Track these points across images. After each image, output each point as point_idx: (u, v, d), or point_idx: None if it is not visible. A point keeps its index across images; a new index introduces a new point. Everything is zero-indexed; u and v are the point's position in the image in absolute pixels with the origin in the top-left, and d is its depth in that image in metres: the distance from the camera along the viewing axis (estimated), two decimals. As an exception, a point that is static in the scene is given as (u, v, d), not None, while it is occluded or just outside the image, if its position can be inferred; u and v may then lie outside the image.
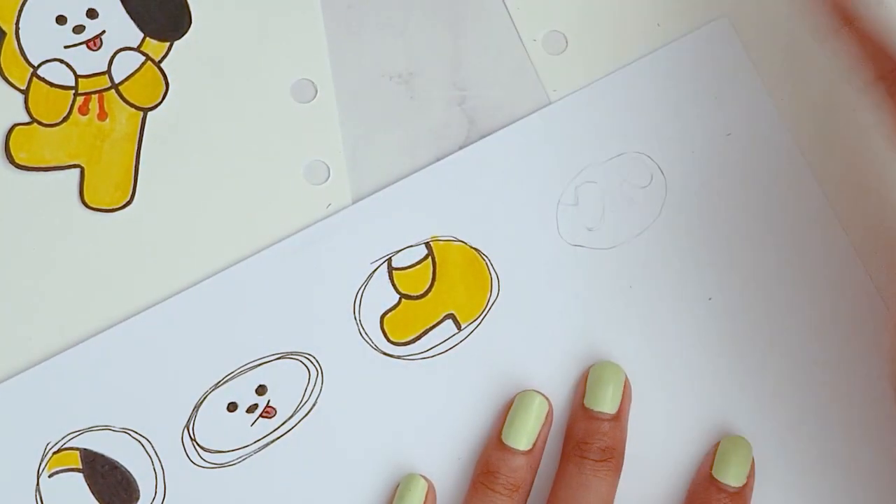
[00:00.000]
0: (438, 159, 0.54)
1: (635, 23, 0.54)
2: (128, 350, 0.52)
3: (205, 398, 0.52)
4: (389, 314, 0.53)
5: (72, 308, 0.52)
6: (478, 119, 0.54)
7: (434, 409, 0.53)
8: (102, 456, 0.52)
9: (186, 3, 0.54)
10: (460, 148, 0.54)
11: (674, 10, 0.54)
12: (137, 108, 0.53)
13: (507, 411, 0.52)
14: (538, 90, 0.54)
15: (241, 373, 0.52)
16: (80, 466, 0.52)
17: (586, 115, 0.53)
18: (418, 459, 0.53)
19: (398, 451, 0.53)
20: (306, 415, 0.53)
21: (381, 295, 0.53)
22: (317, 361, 0.52)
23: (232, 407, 0.52)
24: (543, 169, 0.54)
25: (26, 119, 0.53)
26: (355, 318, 0.53)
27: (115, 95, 0.53)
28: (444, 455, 0.53)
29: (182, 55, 0.54)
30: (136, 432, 0.52)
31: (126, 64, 0.53)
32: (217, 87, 0.53)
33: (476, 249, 0.53)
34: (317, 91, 0.54)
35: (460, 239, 0.53)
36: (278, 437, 0.53)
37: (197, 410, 0.52)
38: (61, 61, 0.53)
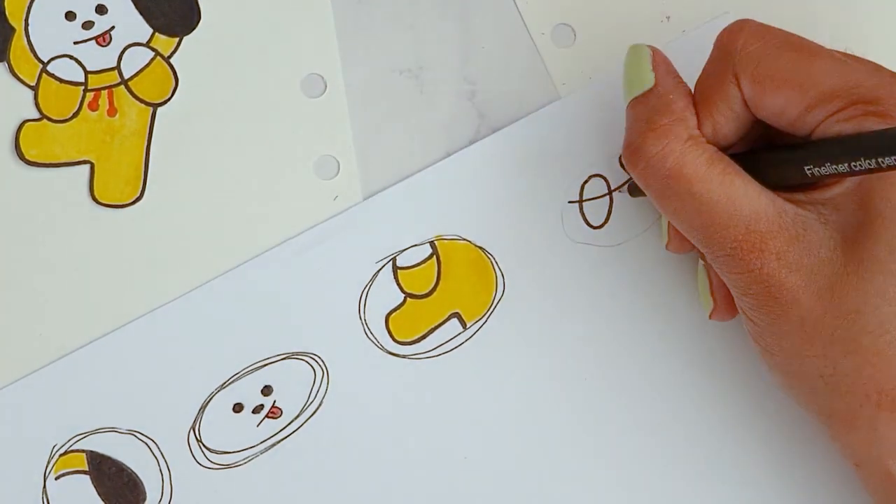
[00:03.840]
0: (449, 153, 0.53)
1: (643, 16, 0.54)
2: (133, 351, 0.52)
3: (210, 399, 0.52)
4: (394, 313, 0.53)
5: (81, 304, 0.52)
6: (488, 113, 0.54)
7: (440, 407, 0.53)
8: (109, 458, 0.52)
9: (195, -3, 0.54)
10: (470, 142, 0.53)
11: (682, 3, 0.54)
12: (147, 104, 0.53)
13: None
14: (547, 83, 0.54)
15: (246, 373, 0.52)
16: (87, 468, 0.52)
17: (592, 112, 0.53)
18: (424, 458, 0.53)
19: (404, 451, 0.53)
20: (312, 415, 0.52)
21: (386, 294, 0.53)
22: (322, 361, 0.52)
23: (238, 408, 0.52)
24: (548, 167, 0.53)
25: (36, 115, 0.52)
26: (360, 318, 0.53)
27: (125, 91, 0.53)
28: (450, 454, 0.53)
29: (191, 50, 0.53)
30: (143, 434, 0.52)
31: (135, 59, 0.53)
32: (226, 82, 0.53)
33: (481, 248, 0.53)
34: (326, 86, 0.53)
35: (465, 238, 0.53)
36: (284, 438, 0.52)
37: (203, 411, 0.52)
38: (71, 57, 0.53)
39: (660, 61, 0.48)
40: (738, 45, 0.45)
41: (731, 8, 0.54)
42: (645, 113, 0.47)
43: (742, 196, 0.44)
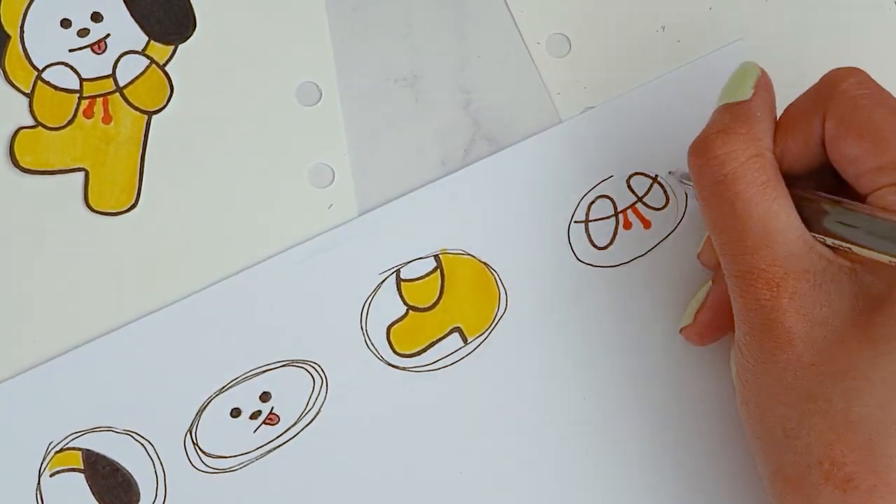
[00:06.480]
0: (443, 162, 0.53)
1: (638, 26, 0.54)
2: (133, 352, 0.52)
3: (208, 403, 0.52)
4: (396, 325, 0.53)
5: (76, 311, 0.52)
6: (483, 121, 0.54)
7: (437, 421, 0.53)
8: (104, 457, 0.52)
9: (191, 5, 0.54)
10: (465, 151, 0.53)
11: (677, 14, 0.54)
12: (142, 112, 0.53)
13: None
14: (542, 93, 0.54)
15: (245, 379, 0.52)
16: (82, 467, 0.52)
17: (601, 133, 0.53)
18: (419, 472, 0.53)
19: (400, 463, 0.53)
20: (309, 423, 0.52)
21: (389, 306, 0.53)
22: (321, 370, 0.52)
23: (235, 413, 0.52)
24: (556, 186, 0.53)
25: (31, 122, 0.52)
26: (362, 328, 0.53)
27: (120, 99, 0.53)
28: (445, 468, 0.53)
29: (186, 58, 0.53)
30: (139, 435, 0.52)
31: (131, 67, 0.53)
32: (222, 90, 0.53)
33: (485, 264, 0.53)
34: (321, 94, 0.54)
35: (470, 253, 0.53)
36: (280, 445, 0.52)
37: (200, 415, 0.52)
38: (66, 65, 0.53)
39: (763, 84, 0.47)
40: (841, 86, 0.45)
41: (725, 20, 0.54)
42: (727, 117, 0.46)
43: (779, 233, 0.44)
